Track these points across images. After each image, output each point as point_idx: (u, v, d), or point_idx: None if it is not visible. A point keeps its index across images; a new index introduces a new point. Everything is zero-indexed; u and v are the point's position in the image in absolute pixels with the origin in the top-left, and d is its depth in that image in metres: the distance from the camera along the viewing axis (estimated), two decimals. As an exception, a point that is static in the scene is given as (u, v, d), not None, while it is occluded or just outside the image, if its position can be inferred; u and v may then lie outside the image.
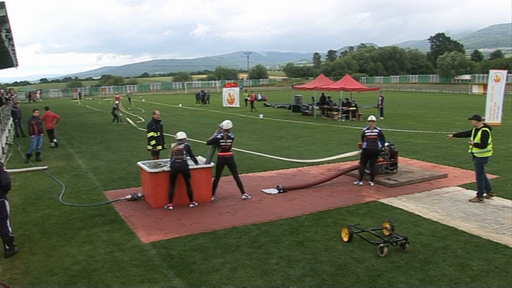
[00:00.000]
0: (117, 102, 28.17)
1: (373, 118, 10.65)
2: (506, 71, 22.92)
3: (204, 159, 9.61)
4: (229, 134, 9.23)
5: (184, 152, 8.76)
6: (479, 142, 8.90)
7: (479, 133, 8.91)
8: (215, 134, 9.30)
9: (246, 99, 37.49)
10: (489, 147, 8.96)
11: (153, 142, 11.33)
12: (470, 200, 9.06)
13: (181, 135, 8.98)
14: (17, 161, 14.46)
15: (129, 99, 47.35)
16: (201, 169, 9.18)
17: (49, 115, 17.07)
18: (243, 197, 9.43)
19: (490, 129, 9.02)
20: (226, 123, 9.21)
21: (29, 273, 5.93)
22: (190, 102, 45.74)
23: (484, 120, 9.53)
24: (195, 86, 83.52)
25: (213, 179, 9.45)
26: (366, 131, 10.47)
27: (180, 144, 8.81)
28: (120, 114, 27.87)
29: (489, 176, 9.74)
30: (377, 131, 10.46)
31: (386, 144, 11.08)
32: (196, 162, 9.25)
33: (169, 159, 8.92)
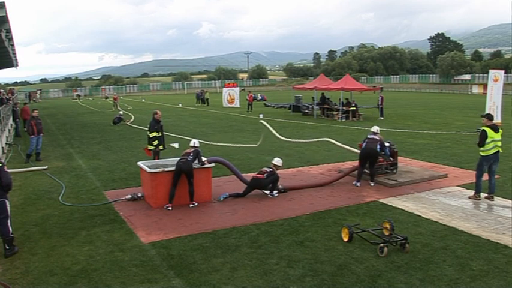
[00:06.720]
0: (115, 101, 28.80)
1: (376, 129, 10.96)
2: (503, 71, 22.94)
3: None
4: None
5: (192, 155, 9.00)
6: (477, 141, 9.14)
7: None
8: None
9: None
10: (488, 146, 8.96)
11: (155, 142, 11.32)
12: (469, 197, 9.19)
13: (195, 142, 9.46)
14: (17, 161, 14.46)
15: (106, 98, 48.08)
16: (201, 169, 9.18)
17: (25, 109, 22.46)
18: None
19: (494, 129, 9.01)
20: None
21: (29, 273, 5.93)
22: (190, 102, 45.73)
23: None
24: (195, 86, 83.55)
25: (212, 179, 9.47)
26: (368, 135, 10.77)
27: (191, 148, 9.24)
28: (120, 113, 28.52)
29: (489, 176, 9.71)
30: (378, 137, 10.62)
31: (387, 144, 11.05)
32: (202, 164, 9.23)
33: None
